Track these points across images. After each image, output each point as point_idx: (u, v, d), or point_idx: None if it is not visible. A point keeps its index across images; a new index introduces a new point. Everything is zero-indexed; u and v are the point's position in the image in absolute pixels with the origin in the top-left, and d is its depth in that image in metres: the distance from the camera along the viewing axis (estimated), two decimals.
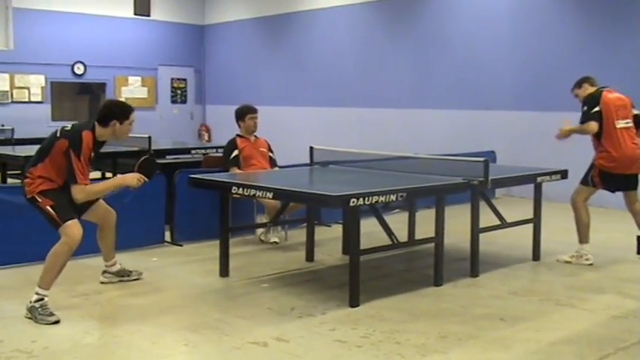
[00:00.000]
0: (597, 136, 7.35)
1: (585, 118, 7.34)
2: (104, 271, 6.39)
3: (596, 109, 7.29)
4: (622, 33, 11.05)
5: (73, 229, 5.44)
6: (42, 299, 5.37)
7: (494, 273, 7.01)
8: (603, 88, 7.50)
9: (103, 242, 6.28)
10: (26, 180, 5.63)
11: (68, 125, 5.71)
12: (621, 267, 7.32)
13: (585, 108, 7.38)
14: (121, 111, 5.80)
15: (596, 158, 7.40)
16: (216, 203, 6.87)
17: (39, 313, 5.31)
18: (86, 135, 5.56)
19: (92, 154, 5.68)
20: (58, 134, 5.61)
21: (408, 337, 5.08)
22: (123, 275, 6.42)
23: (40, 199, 5.53)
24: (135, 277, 6.48)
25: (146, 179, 5.87)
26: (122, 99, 17.56)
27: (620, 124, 7.29)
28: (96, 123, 5.73)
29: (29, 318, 5.35)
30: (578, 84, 7.65)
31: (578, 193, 7.52)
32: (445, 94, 13.54)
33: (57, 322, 5.26)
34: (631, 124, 7.40)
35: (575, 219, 7.53)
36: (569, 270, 7.18)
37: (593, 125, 7.28)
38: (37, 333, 5.08)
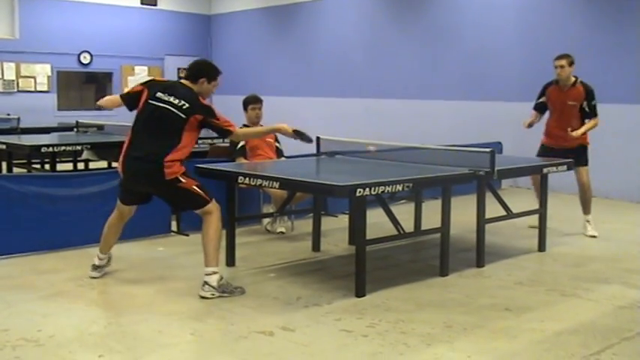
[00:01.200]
0: (582, 121, 8.09)
1: (596, 111, 8.08)
2: (96, 267, 6.20)
3: None
4: (630, 24, 11.00)
5: (216, 204, 5.85)
6: (221, 277, 5.76)
7: (500, 263, 7.01)
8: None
9: (116, 233, 6.21)
10: (166, 164, 5.62)
11: (170, 97, 5.76)
12: (627, 258, 7.31)
13: (594, 102, 8.03)
14: (213, 72, 6.07)
15: (586, 140, 8.18)
16: (222, 193, 6.87)
17: (231, 289, 5.75)
18: (202, 100, 5.89)
19: None
20: (183, 114, 5.70)
21: (413, 327, 5.08)
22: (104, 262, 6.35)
23: (184, 180, 5.72)
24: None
25: (298, 134, 6.32)
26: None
27: None
28: (186, 82, 5.94)
29: (217, 297, 5.64)
30: (572, 62, 8.09)
31: (587, 174, 8.26)
32: (452, 85, 13.51)
33: (244, 292, 5.80)
34: None
35: (589, 197, 8.26)
36: (575, 260, 7.17)
37: (598, 120, 8.11)
38: (43, 322, 5.10)
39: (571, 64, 8.02)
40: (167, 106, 5.72)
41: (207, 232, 5.77)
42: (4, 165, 10.64)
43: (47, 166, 10.98)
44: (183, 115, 5.69)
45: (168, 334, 4.95)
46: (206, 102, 5.93)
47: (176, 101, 5.73)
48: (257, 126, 8.48)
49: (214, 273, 5.70)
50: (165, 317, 5.26)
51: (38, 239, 6.93)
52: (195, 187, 5.76)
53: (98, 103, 6.45)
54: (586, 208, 8.30)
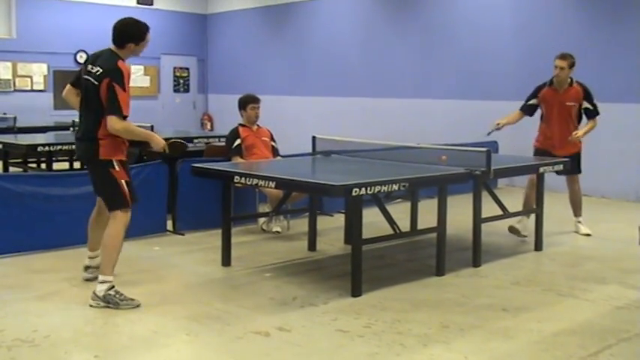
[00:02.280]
0: (579, 122, 8.03)
1: (596, 111, 8.00)
2: (87, 267, 6.08)
3: None
4: (625, 22, 11.01)
5: (128, 216, 5.50)
6: (113, 286, 5.40)
7: (497, 263, 7.01)
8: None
9: (99, 228, 5.86)
10: (101, 142, 5.34)
11: (91, 66, 5.41)
12: (623, 258, 7.30)
13: (595, 102, 7.95)
14: (138, 32, 5.60)
15: (579, 146, 8.11)
16: (218, 192, 6.87)
17: (119, 299, 5.36)
18: (121, 65, 5.37)
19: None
20: (95, 81, 5.33)
21: (410, 327, 5.07)
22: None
23: (117, 168, 5.41)
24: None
25: (166, 150, 5.79)
26: None
27: None
28: (113, 47, 5.52)
29: (104, 306, 5.34)
30: (573, 64, 7.95)
31: (578, 182, 8.25)
32: (448, 84, 13.51)
33: (138, 305, 5.37)
34: None
35: (579, 200, 8.25)
36: (572, 260, 7.17)
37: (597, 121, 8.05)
38: (39, 322, 5.08)
39: (572, 65, 7.88)
40: (89, 77, 5.41)
41: (106, 238, 5.46)
42: (0, 164, 10.61)
43: (43, 166, 10.94)
44: (96, 82, 5.34)
45: (163, 334, 4.93)
46: (125, 69, 5.38)
47: (94, 69, 5.38)
48: (254, 126, 8.48)
49: (104, 282, 5.40)
50: (160, 317, 5.24)
51: (34, 239, 6.91)
52: (123, 182, 5.43)
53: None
54: (577, 211, 8.31)
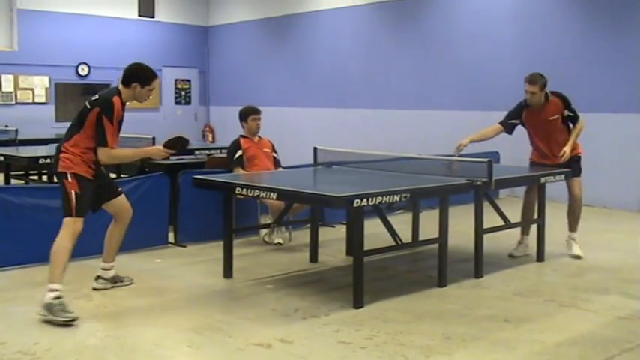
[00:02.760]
0: (568, 132, 7.69)
1: (576, 116, 7.67)
2: (98, 277, 6.24)
3: None
4: (625, 33, 11.03)
5: (78, 225, 5.53)
6: (59, 296, 5.37)
7: (499, 274, 7.00)
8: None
9: (113, 238, 6.14)
10: (62, 155, 5.60)
11: (95, 97, 5.75)
12: (625, 268, 7.29)
13: (572, 105, 7.64)
14: (144, 75, 5.85)
15: (576, 149, 7.71)
16: (219, 204, 6.87)
17: (58, 310, 5.30)
18: (116, 100, 5.64)
19: (122, 117, 5.77)
20: (89, 105, 5.64)
21: (412, 339, 5.07)
22: (116, 281, 6.31)
23: (70, 180, 5.54)
24: (127, 283, 6.37)
25: (171, 151, 5.93)
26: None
27: None
28: (121, 86, 5.81)
29: (44, 316, 5.31)
30: (544, 85, 7.56)
31: (579, 186, 7.81)
32: (449, 95, 13.53)
33: (75, 319, 5.28)
34: None
35: (578, 211, 7.80)
36: (574, 271, 7.16)
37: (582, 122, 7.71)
38: (40, 334, 5.08)
39: (543, 87, 7.53)
40: (86, 102, 5.75)
41: (54, 245, 5.50)
42: (1, 177, 10.62)
43: (45, 178, 10.96)
44: (88, 106, 5.65)
45: (165, 347, 4.93)
46: (118, 104, 5.65)
47: (94, 96, 5.76)
48: (255, 137, 8.49)
49: (50, 290, 5.38)
50: (162, 329, 5.24)
51: (36, 251, 6.88)
52: (72, 193, 5.52)
53: None
54: (573, 225, 7.88)
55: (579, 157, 7.80)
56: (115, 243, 6.21)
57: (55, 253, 5.48)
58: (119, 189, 6.13)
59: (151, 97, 6.07)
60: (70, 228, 5.50)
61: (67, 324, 5.24)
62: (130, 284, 6.37)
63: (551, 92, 7.66)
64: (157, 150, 5.95)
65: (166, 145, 5.90)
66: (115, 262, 6.31)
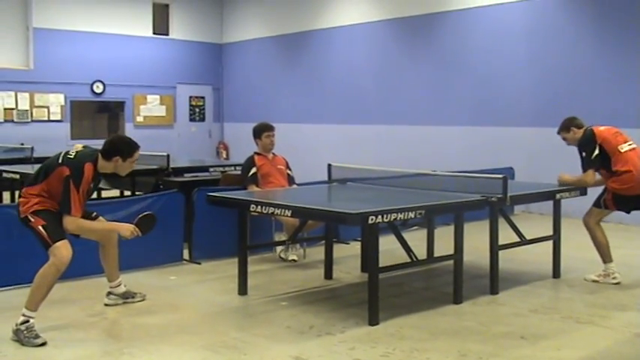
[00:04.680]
0: (606, 168, 7.18)
1: (586, 165, 7.22)
2: (109, 293, 6.29)
3: (596, 152, 7.12)
4: (637, 48, 10.99)
5: (62, 250, 5.41)
6: (27, 321, 5.32)
7: (515, 290, 6.96)
8: (589, 126, 7.34)
9: (106, 261, 6.20)
10: (21, 199, 5.62)
11: (72, 152, 5.64)
12: None
13: (584, 154, 7.21)
14: (126, 148, 5.74)
15: (609, 182, 7.23)
16: (234, 221, 6.87)
17: (25, 336, 5.25)
18: (88, 168, 5.54)
19: (91, 186, 5.69)
20: (60, 160, 5.56)
21: (428, 356, 5.04)
22: (127, 297, 6.33)
23: (32, 219, 5.50)
24: (139, 299, 6.39)
25: (140, 234, 5.77)
26: (141, 117, 17.70)
27: (625, 147, 7.16)
28: (99, 155, 5.69)
29: (15, 341, 5.29)
30: (566, 128, 7.40)
31: (590, 215, 7.41)
32: (463, 111, 13.52)
33: (43, 344, 5.22)
34: (635, 145, 7.27)
35: (592, 240, 7.43)
36: (590, 287, 7.11)
37: (590, 177, 7.21)
38: (55, 353, 5.08)
39: (569, 130, 7.35)
40: (62, 153, 5.68)
41: (37, 275, 5.41)
42: (17, 194, 10.65)
43: None
44: (60, 161, 5.55)
45: None
46: (89, 173, 5.56)
47: (72, 152, 5.66)
48: (269, 154, 8.50)
49: (22, 316, 5.34)
50: (177, 347, 5.23)
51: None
52: (40, 228, 5.46)
53: None
54: (599, 254, 7.43)
55: (605, 189, 7.35)
56: (111, 263, 6.21)
57: (35, 284, 5.41)
58: (93, 213, 6.01)
59: (133, 169, 6.00)
60: (55, 257, 5.39)
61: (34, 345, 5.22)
62: (142, 300, 6.39)
63: (582, 134, 7.32)
64: (127, 227, 5.74)
65: (138, 224, 5.79)
66: (121, 279, 6.33)
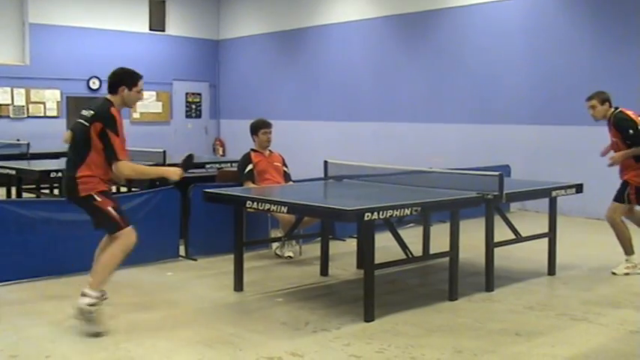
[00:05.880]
0: (635, 158, 7.38)
1: (637, 138, 7.33)
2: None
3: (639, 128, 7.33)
4: (636, 46, 11.01)
5: (132, 235, 5.52)
6: (94, 304, 5.35)
7: (510, 287, 6.98)
8: (616, 107, 7.54)
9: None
10: (79, 181, 5.44)
11: (87, 112, 5.53)
12: (637, 281, 7.26)
13: (631, 131, 7.34)
14: (129, 77, 5.74)
15: (632, 176, 7.39)
16: (230, 218, 6.88)
17: (91, 318, 5.32)
18: (114, 111, 5.51)
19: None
20: (87, 123, 5.45)
21: (423, 352, 5.05)
22: (103, 294, 5.93)
23: (99, 198, 5.46)
24: (105, 297, 5.97)
25: (183, 174, 5.88)
26: (137, 114, 17.69)
27: None
28: (109, 96, 5.68)
29: (81, 319, 5.33)
30: (602, 100, 7.54)
31: (615, 211, 7.52)
32: (459, 109, 13.53)
33: (100, 334, 5.31)
34: None
35: (617, 235, 7.55)
36: (585, 285, 7.13)
37: None
38: (52, 347, 5.09)
39: (603, 101, 7.52)
40: (79, 120, 5.57)
41: (104, 255, 5.50)
42: (13, 190, 10.66)
43: (56, 191, 11.00)
44: (86, 124, 5.46)
45: None
46: (117, 115, 5.54)
47: (86, 112, 5.55)
48: (266, 151, 8.51)
49: (86, 295, 5.36)
50: (173, 342, 5.24)
51: (47, 264, 6.93)
52: (109, 209, 5.48)
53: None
54: (622, 248, 7.61)
55: (627, 183, 7.49)
56: None
57: (105, 264, 5.46)
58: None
59: (140, 100, 5.98)
60: (125, 241, 5.48)
61: (92, 334, 5.30)
62: (105, 299, 6.05)
63: (613, 116, 7.52)
64: (175, 171, 5.83)
65: (181, 166, 5.92)
66: None
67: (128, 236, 5.49)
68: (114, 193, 7.67)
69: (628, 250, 7.58)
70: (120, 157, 5.42)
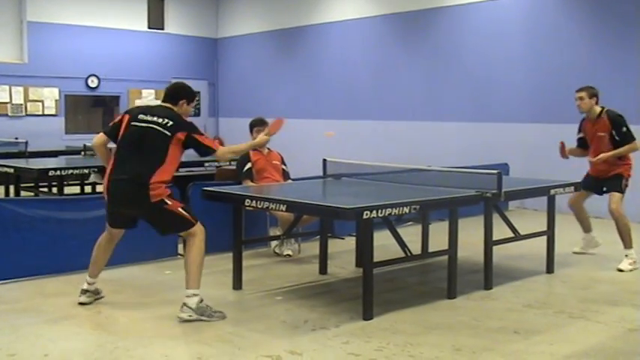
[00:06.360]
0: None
1: (630, 137, 7.79)
2: (85, 290, 6.08)
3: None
4: (636, 45, 11.01)
5: (202, 229, 5.85)
6: (202, 299, 5.71)
7: (508, 285, 6.98)
8: (602, 106, 7.99)
9: (105, 255, 6.09)
10: (150, 187, 5.59)
11: (156, 118, 5.78)
12: (635, 279, 7.27)
13: (625, 129, 7.77)
14: (191, 94, 6.10)
15: (625, 170, 7.85)
16: (229, 216, 6.88)
17: (209, 312, 5.69)
18: (185, 117, 5.93)
19: None
20: (168, 132, 5.71)
21: (421, 350, 5.06)
22: (97, 293, 6.18)
23: (170, 202, 5.71)
24: (102, 296, 6.22)
25: (271, 133, 6.77)
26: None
27: None
28: (169, 104, 5.95)
29: (195, 319, 5.62)
30: (591, 94, 7.91)
31: (617, 203, 7.77)
32: (458, 107, 13.52)
33: (224, 317, 5.74)
34: None
35: (620, 227, 7.75)
36: (583, 282, 7.14)
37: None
38: (50, 346, 5.09)
39: (592, 96, 7.88)
40: (152, 125, 5.75)
41: (190, 254, 5.78)
42: (11, 188, 10.66)
43: (55, 190, 10.99)
44: (168, 133, 5.70)
45: (174, 358, 4.93)
46: (188, 119, 6.00)
47: (160, 120, 5.76)
48: (263, 149, 8.50)
49: (194, 295, 5.68)
50: (171, 341, 5.24)
51: (45, 263, 6.93)
52: (180, 210, 5.77)
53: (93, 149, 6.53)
54: (623, 241, 7.80)
55: (621, 176, 7.86)
56: (107, 259, 6.14)
57: (195, 262, 5.76)
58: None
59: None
60: (200, 235, 5.81)
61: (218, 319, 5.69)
62: (103, 297, 6.22)
63: (607, 112, 7.90)
64: (262, 137, 6.77)
65: (270, 128, 6.78)
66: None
67: (202, 230, 5.83)
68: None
69: (628, 243, 7.72)
70: (215, 146, 5.93)
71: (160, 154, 5.69)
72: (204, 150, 5.87)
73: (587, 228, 8.36)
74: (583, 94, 7.89)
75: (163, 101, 6.00)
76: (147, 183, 5.59)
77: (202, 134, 5.88)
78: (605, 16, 11.44)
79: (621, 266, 7.60)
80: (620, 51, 11.19)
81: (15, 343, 5.16)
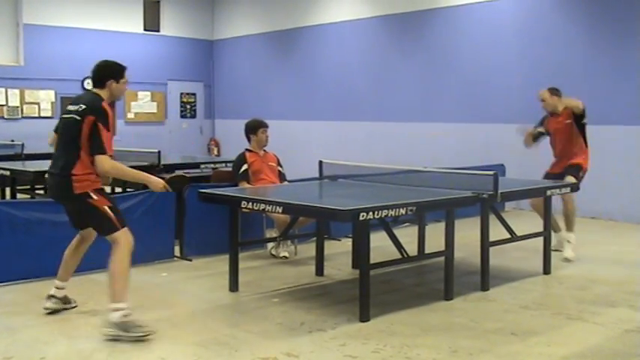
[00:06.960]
0: (585, 143, 8.18)
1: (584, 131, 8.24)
2: (51, 296, 5.90)
3: None
4: (630, 45, 11.03)
5: (129, 235, 5.44)
6: (127, 314, 5.30)
7: (505, 287, 6.98)
8: None
9: (76, 257, 5.90)
10: (74, 178, 5.34)
11: (75, 107, 5.45)
12: (632, 280, 7.27)
13: (585, 120, 8.15)
14: (116, 70, 5.73)
15: (583, 160, 8.18)
16: (225, 218, 6.87)
17: (133, 328, 5.25)
18: (105, 105, 5.44)
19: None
20: (79, 116, 5.36)
21: (418, 352, 5.05)
22: (66, 302, 6.01)
23: (96, 197, 5.39)
24: (74, 306, 6.06)
25: (169, 189, 5.76)
26: (131, 114, 17.67)
27: None
28: (96, 90, 5.61)
29: (114, 336, 5.23)
30: (554, 93, 8.30)
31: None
32: (454, 108, 13.54)
33: (148, 335, 5.26)
34: None
35: (569, 211, 8.13)
36: (581, 283, 7.14)
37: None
38: (46, 349, 5.08)
39: (553, 93, 8.26)
40: (69, 115, 5.46)
41: (112, 265, 5.37)
42: (7, 191, 10.64)
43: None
44: (78, 118, 5.37)
45: None
46: (109, 110, 5.45)
47: (76, 107, 5.46)
48: (261, 151, 8.50)
49: (116, 310, 5.27)
50: (168, 343, 5.23)
51: (42, 265, 6.90)
52: (105, 208, 5.41)
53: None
54: (567, 224, 8.22)
55: (579, 165, 8.13)
56: (77, 261, 5.95)
57: (117, 272, 5.35)
58: None
59: (125, 91, 5.90)
60: (124, 242, 5.40)
61: (142, 339, 5.23)
62: (75, 307, 6.05)
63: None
64: (158, 182, 5.68)
65: (169, 182, 5.83)
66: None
67: (126, 237, 5.43)
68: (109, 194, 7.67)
69: (570, 226, 8.15)
70: (107, 150, 5.36)
71: (77, 142, 5.38)
72: (97, 145, 5.31)
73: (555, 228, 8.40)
74: (544, 94, 8.29)
75: (93, 86, 5.67)
76: (69, 175, 5.35)
77: (108, 130, 5.37)
78: (600, 16, 11.45)
79: (567, 255, 7.96)
80: (615, 52, 11.21)
81: (12, 345, 5.15)
